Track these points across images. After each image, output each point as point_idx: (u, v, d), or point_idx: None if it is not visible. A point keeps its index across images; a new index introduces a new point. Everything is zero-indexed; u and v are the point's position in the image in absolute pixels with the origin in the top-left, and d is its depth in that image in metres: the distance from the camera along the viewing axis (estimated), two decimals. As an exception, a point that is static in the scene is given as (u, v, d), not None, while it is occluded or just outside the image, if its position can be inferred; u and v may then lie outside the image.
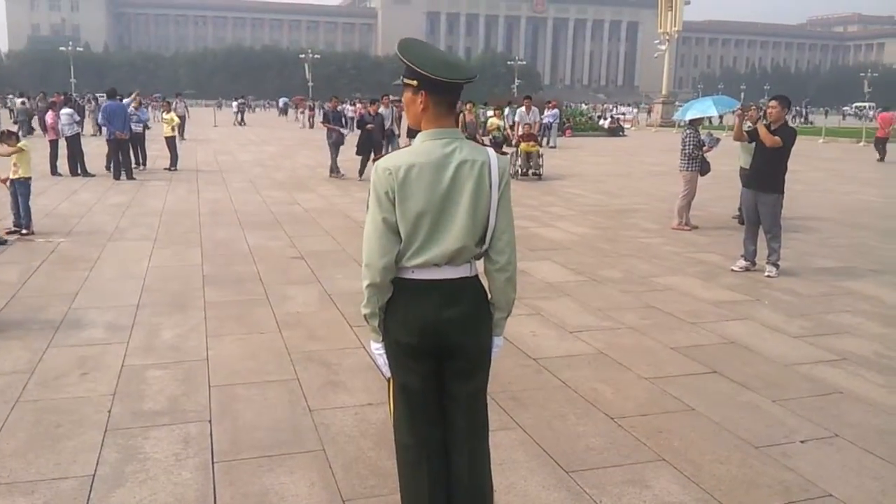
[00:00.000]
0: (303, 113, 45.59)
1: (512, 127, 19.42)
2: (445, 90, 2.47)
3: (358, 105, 33.57)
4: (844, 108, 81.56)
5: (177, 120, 20.62)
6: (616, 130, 38.33)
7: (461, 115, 17.32)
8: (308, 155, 23.38)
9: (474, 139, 15.80)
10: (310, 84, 79.55)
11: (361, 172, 16.16)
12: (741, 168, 10.44)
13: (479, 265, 2.64)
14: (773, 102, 7.89)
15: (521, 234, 9.96)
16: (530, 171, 16.96)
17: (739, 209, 10.19)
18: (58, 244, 9.05)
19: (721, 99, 12.22)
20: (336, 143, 16.98)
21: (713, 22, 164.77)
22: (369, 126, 16.28)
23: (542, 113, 25.40)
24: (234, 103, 46.85)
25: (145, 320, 6.04)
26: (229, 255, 8.60)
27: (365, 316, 2.62)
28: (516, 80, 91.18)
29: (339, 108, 18.78)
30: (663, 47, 49.42)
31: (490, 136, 18.20)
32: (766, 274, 7.87)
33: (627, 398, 4.57)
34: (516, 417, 4.25)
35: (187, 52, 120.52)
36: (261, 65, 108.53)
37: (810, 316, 6.47)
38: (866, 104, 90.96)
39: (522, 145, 17.03)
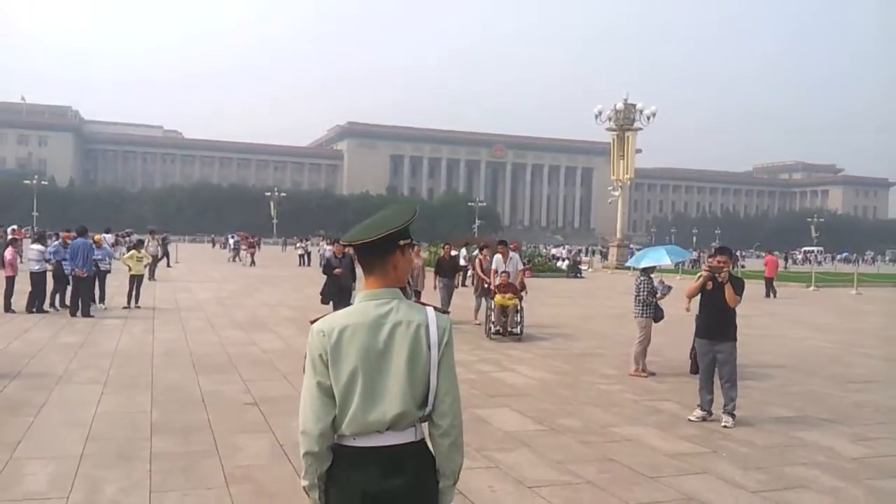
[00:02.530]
0: (244, 250, 43.96)
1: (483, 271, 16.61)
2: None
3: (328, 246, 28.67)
4: (793, 252, 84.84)
5: (148, 258, 20.51)
6: (574, 271, 39.21)
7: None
8: (269, 293, 23.36)
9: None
10: (274, 221, 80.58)
11: None
12: None
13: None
14: (721, 258, 8.23)
15: (480, 379, 9.94)
16: (506, 330, 14.13)
17: (692, 355, 10.22)
18: (2, 389, 8.76)
19: (673, 248, 12.69)
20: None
21: (664, 169, 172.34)
22: (337, 270, 14.02)
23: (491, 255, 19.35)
24: (231, 240, 50.21)
25: (88, 473, 5.79)
26: (180, 401, 8.38)
27: (304, 488, 2.52)
28: (477, 221, 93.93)
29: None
30: (616, 193, 51.53)
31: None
32: (723, 424, 7.89)
33: (586, 561, 4.45)
34: (472, 583, 4.09)
35: (153, 188, 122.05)
36: (227, 201, 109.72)
37: (767, 469, 6.46)
38: (815, 248, 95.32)
39: (497, 297, 14.29)
